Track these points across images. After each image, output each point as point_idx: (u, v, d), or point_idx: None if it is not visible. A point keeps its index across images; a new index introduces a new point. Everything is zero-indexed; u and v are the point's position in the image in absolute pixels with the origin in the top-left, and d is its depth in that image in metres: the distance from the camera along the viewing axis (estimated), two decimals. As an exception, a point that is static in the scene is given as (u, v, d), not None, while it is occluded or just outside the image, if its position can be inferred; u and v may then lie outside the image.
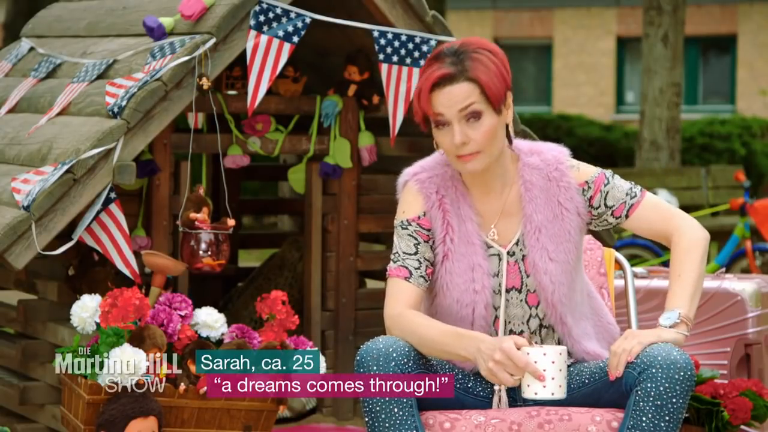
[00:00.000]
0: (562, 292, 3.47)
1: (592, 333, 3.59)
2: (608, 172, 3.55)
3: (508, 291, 3.49)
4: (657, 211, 3.52)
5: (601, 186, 3.51)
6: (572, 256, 3.49)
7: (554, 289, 3.47)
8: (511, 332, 3.50)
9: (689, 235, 3.48)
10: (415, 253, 3.46)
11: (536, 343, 3.46)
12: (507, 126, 3.45)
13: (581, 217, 3.51)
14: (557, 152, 3.54)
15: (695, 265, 3.45)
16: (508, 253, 3.50)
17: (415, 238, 3.47)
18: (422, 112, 3.41)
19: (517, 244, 3.50)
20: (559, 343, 3.53)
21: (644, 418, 3.27)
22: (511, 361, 3.20)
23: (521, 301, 3.50)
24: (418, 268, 3.45)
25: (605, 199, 3.51)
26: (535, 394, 3.23)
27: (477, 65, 3.36)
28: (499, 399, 3.50)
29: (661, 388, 3.26)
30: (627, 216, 3.51)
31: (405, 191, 3.52)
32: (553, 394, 3.23)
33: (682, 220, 3.51)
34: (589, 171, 3.53)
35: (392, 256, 3.48)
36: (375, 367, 3.29)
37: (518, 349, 3.23)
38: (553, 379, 3.23)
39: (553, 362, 3.23)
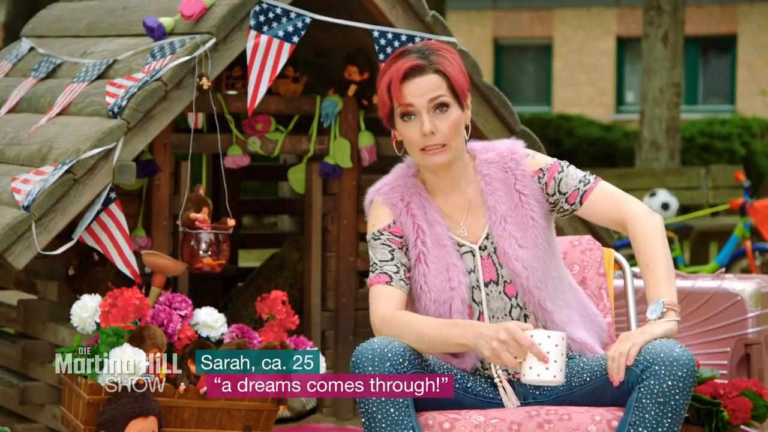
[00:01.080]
0: (536, 277, 3.52)
1: (579, 322, 3.61)
2: (564, 162, 3.61)
3: (486, 285, 3.53)
4: (610, 198, 3.55)
5: (554, 173, 3.57)
6: (541, 240, 3.55)
7: (528, 275, 3.51)
8: None
9: (644, 221, 3.49)
10: (392, 259, 3.51)
11: (540, 326, 3.49)
12: (467, 127, 3.55)
13: (540, 204, 3.57)
14: (511, 144, 3.63)
15: (659, 249, 3.46)
16: (479, 248, 3.55)
17: (389, 246, 3.53)
18: (389, 105, 3.50)
19: (487, 238, 3.56)
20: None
21: (647, 416, 3.28)
22: (515, 341, 3.22)
23: (500, 293, 3.54)
24: (397, 272, 3.49)
25: (559, 185, 3.56)
26: (538, 375, 3.23)
27: (443, 60, 3.49)
28: (504, 389, 3.50)
29: (664, 386, 3.27)
30: (581, 203, 3.55)
31: (371, 208, 3.62)
32: (554, 376, 3.23)
33: (634, 206, 3.53)
34: (544, 159, 3.61)
35: (370, 268, 3.53)
36: (370, 368, 3.29)
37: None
38: (555, 362, 3.24)
39: (556, 345, 3.24)
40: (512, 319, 3.53)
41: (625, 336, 3.35)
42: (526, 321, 3.54)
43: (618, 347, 3.32)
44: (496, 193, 3.56)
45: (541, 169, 3.58)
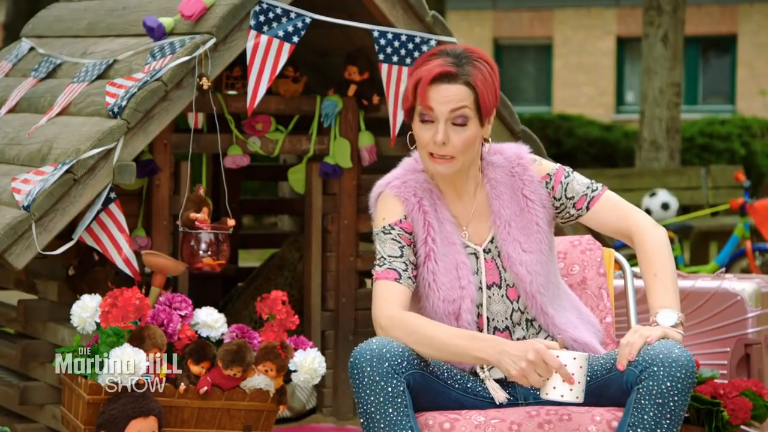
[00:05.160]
0: (539, 281, 3.52)
1: (578, 323, 3.62)
2: (567, 168, 3.62)
3: (489, 287, 3.52)
4: (617, 207, 3.57)
5: (561, 178, 3.58)
6: (544, 246, 3.55)
7: (531, 279, 3.51)
8: (495, 329, 3.54)
9: (652, 234, 3.52)
10: (401, 256, 3.48)
11: (564, 347, 3.49)
12: (486, 140, 3.55)
13: (546, 209, 3.58)
14: (517, 149, 3.62)
15: (668, 262, 3.48)
16: (484, 250, 3.55)
17: (399, 242, 3.50)
18: (412, 102, 3.48)
19: (492, 241, 3.55)
20: (539, 331, 3.56)
21: (645, 417, 3.28)
22: (543, 362, 3.22)
23: (502, 296, 3.53)
24: (406, 270, 3.47)
25: (566, 190, 3.57)
26: (561, 396, 3.25)
27: (477, 73, 3.43)
28: (489, 379, 3.49)
29: (663, 387, 3.27)
30: (588, 208, 3.56)
31: (381, 200, 3.57)
32: (577, 397, 3.25)
33: (641, 218, 3.55)
34: (549, 165, 3.62)
35: (377, 261, 3.49)
36: (368, 368, 3.28)
37: None
38: (579, 383, 3.25)
39: (581, 367, 3.25)
40: (512, 322, 3.53)
41: (638, 328, 3.36)
42: (528, 326, 3.54)
43: (629, 336, 3.33)
44: (501, 197, 3.56)
45: (548, 174, 3.58)
